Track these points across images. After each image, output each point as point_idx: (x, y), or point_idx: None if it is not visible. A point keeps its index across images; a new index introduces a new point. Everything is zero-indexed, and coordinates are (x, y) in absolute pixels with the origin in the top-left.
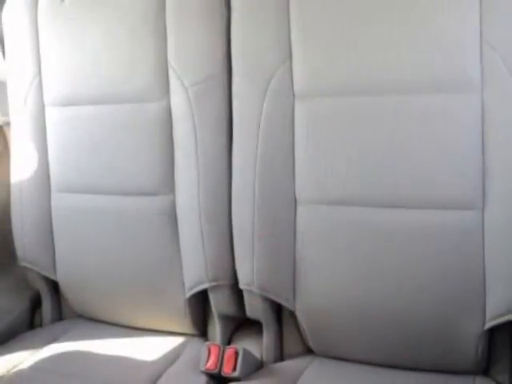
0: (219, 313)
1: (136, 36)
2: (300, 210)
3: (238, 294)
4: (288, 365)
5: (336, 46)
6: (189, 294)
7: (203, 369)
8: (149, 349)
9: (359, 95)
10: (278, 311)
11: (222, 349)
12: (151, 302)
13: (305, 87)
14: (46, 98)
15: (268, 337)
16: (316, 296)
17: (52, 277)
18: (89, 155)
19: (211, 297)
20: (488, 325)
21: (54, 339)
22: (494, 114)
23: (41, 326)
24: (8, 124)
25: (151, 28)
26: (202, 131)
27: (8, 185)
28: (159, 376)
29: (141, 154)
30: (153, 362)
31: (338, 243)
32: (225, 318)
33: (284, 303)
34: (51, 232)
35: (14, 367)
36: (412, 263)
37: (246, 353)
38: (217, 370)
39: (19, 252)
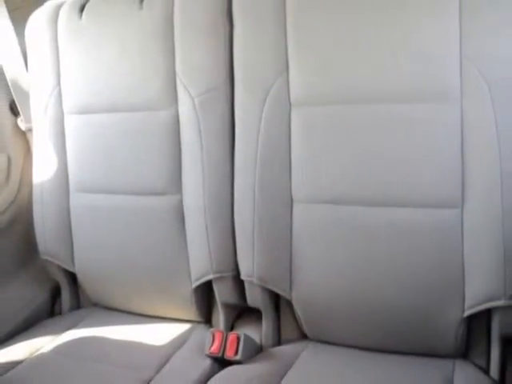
0: (222, 302)
1: (147, 51)
2: (296, 208)
3: (239, 284)
4: (285, 349)
5: (328, 60)
6: (195, 284)
7: (208, 353)
8: (158, 334)
9: (349, 104)
10: (276, 300)
11: (225, 334)
12: (160, 292)
13: (300, 97)
14: (65, 107)
15: (267, 323)
16: (311, 287)
17: (70, 269)
18: (104, 158)
19: (215, 287)
20: (467, 313)
21: (72, 326)
22: (473, 121)
23: (60, 313)
24: (30, 130)
25: (161, 43)
26: (207, 137)
27: (30, 185)
28: (168, 359)
29: (151, 158)
30: (162, 347)
31: (330, 239)
32: (227, 307)
33: (281, 293)
34: (70, 228)
35: (36, 351)
36: (398, 257)
37: (247, 338)
38: (220, 354)
39: (40, 246)
